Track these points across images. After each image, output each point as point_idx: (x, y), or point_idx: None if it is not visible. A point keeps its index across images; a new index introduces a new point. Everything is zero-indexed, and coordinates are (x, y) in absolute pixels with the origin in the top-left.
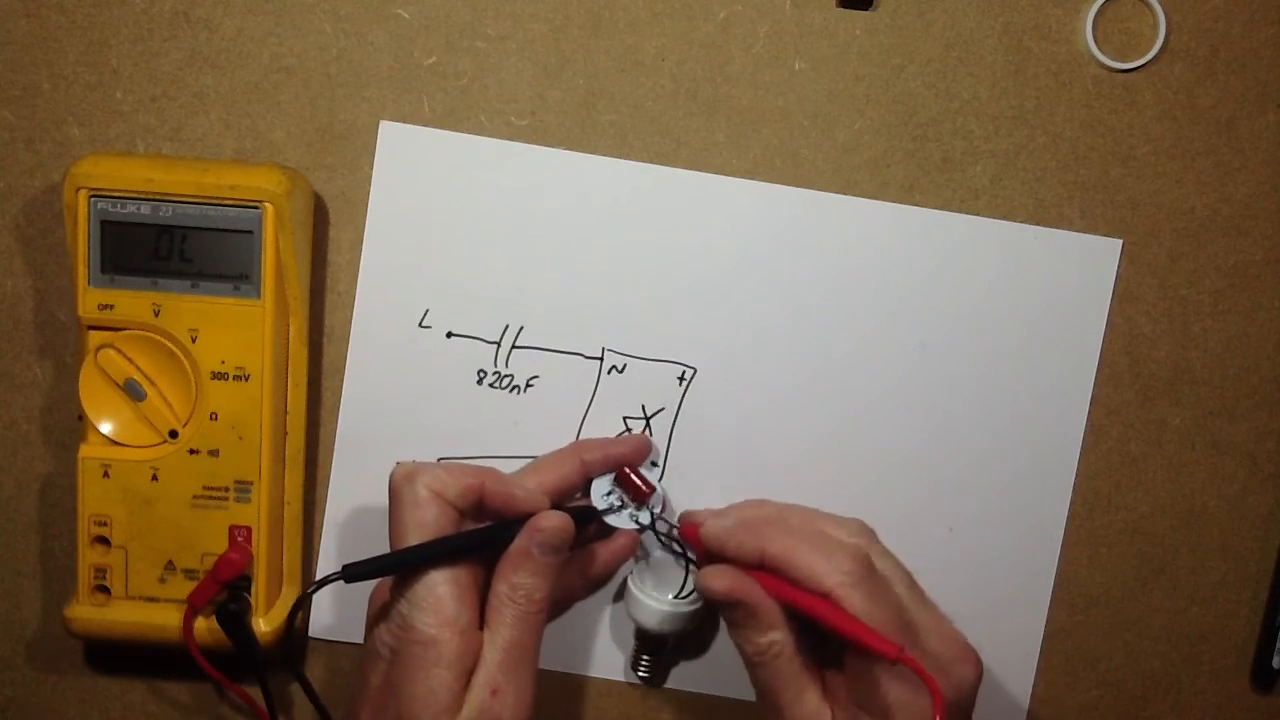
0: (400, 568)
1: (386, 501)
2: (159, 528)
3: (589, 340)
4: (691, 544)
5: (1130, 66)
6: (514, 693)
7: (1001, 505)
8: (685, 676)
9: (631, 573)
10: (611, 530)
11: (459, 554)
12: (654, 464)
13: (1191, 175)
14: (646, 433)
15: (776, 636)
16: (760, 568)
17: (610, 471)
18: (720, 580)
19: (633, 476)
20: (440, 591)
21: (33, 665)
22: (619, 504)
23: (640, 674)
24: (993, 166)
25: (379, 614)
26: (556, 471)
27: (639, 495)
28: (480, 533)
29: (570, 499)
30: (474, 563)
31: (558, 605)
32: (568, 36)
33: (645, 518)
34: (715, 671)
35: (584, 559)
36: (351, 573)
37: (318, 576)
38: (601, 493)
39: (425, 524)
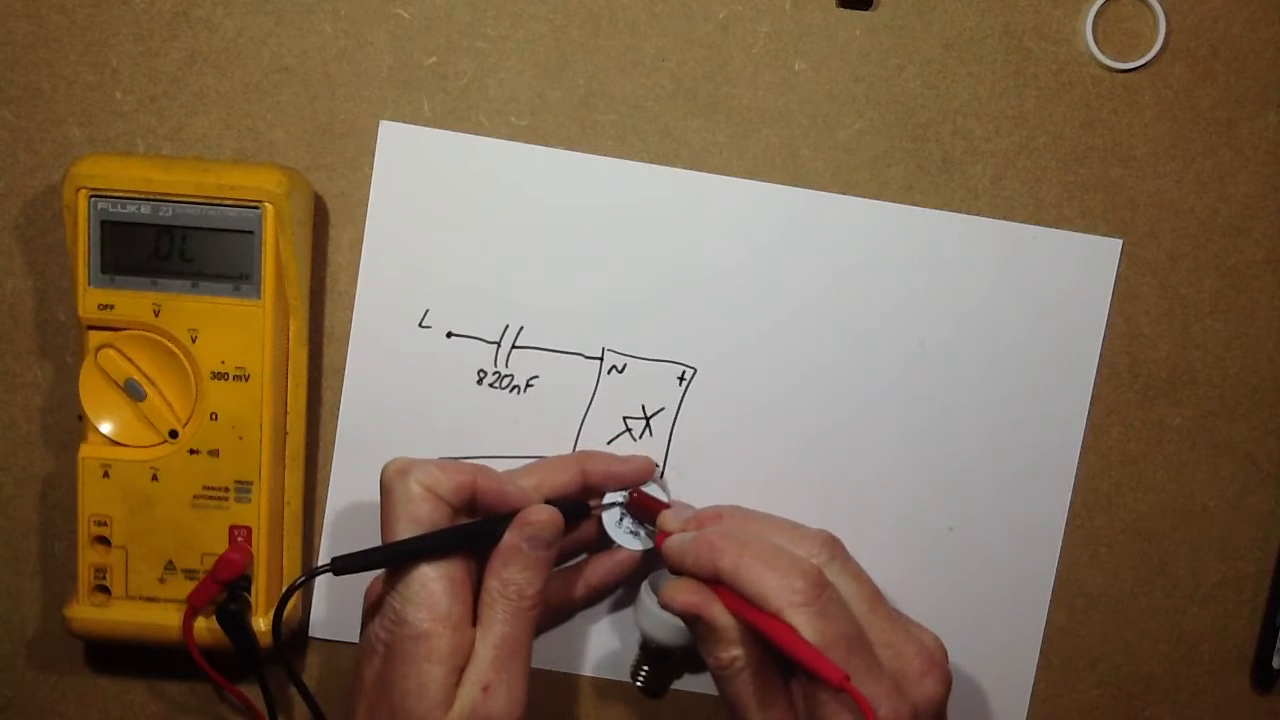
0: (391, 561)
1: None
2: (159, 528)
3: (589, 340)
4: None
5: (1130, 66)
6: (506, 689)
7: (1001, 505)
8: (689, 678)
9: (647, 582)
10: (612, 540)
11: (450, 548)
12: (655, 483)
13: (1191, 175)
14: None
15: (736, 652)
16: (717, 583)
17: (611, 488)
18: (680, 595)
19: (648, 495)
20: (433, 586)
21: (33, 665)
22: (634, 530)
23: (638, 683)
24: (993, 166)
25: (373, 609)
26: (556, 477)
27: (651, 518)
28: (471, 527)
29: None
30: (467, 559)
31: (560, 613)
32: (568, 36)
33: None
34: None
35: (587, 568)
36: (341, 565)
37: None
38: (613, 521)
39: (418, 519)
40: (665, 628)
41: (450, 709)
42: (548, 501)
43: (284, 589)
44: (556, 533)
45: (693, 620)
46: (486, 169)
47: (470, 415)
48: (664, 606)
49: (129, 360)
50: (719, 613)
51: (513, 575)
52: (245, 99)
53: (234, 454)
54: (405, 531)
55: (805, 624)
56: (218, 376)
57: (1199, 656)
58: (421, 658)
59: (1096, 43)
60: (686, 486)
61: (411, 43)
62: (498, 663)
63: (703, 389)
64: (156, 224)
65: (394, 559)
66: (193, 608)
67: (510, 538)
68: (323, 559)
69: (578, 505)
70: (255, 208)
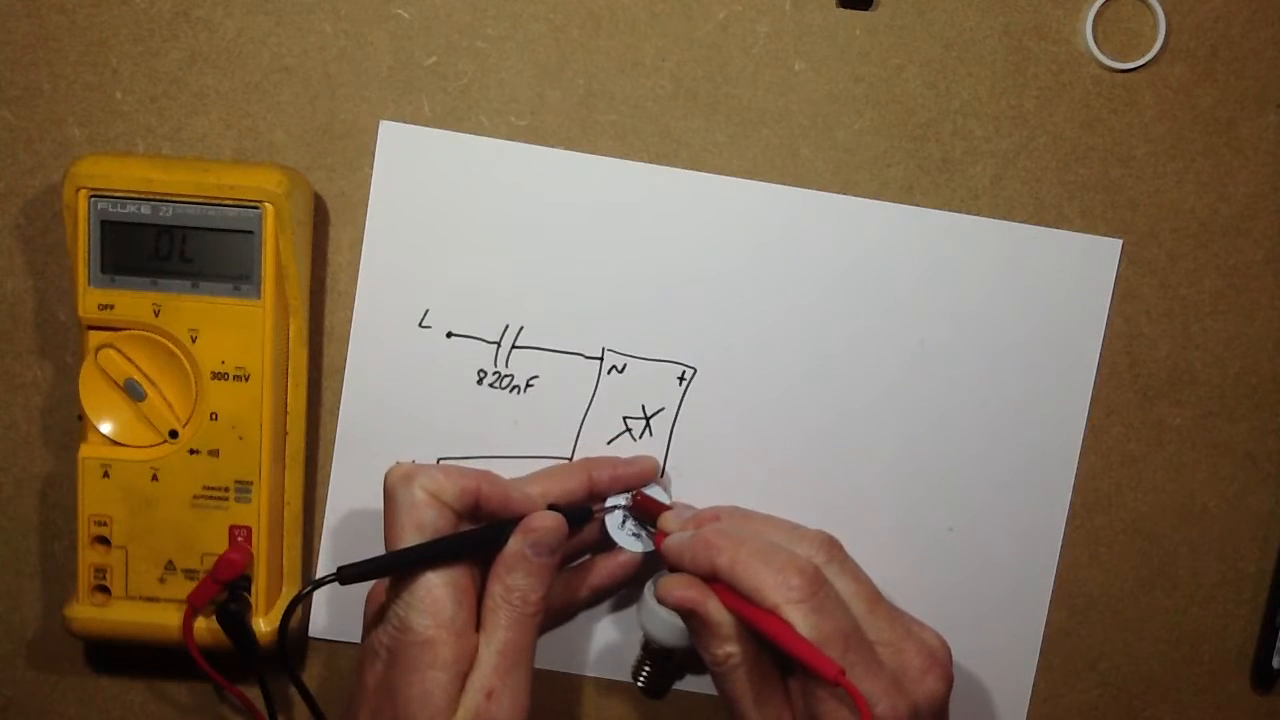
0: (395, 569)
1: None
2: (159, 528)
3: (589, 340)
4: None
5: (1130, 66)
6: (509, 695)
7: (1001, 505)
8: (690, 678)
9: (651, 582)
10: (614, 542)
11: (454, 555)
12: (656, 484)
13: (1191, 175)
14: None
15: (732, 649)
16: (715, 581)
17: (616, 491)
18: (676, 589)
19: (650, 498)
20: (438, 593)
21: (33, 665)
22: (636, 531)
23: (640, 683)
24: (993, 166)
25: (376, 614)
26: (562, 484)
27: (653, 520)
28: (475, 534)
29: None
30: (471, 564)
31: (561, 614)
32: (568, 36)
33: None
34: None
35: (590, 569)
36: (347, 574)
37: (316, 577)
38: (616, 524)
39: (422, 525)
40: (668, 628)
41: (454, 715)
42: (550, 507)
43: (285, 589)
44: (560, 539)
45: (688, 615)
46: (486, 169)
47: (470, 415)
48: (660, 601)
49: (129, 360)
50: (715, 608)
51: (516, 581)
52: (245, 99)
53: (234, 454)
54: (410, 537)
55: (801, 620)
56: (218, 376)
57: (1199, 656)
58: (425, 664)
59: (1096, 43)
60: (686, 486)
61: (411, 43)
62: (501, 668)
63: (703, 389)
64: (156, 224)
65: (399, 567)
66: (193, 608)
67: (514, 544)
68: (323, 559)
69: (581, 510)
70: (255, 208)
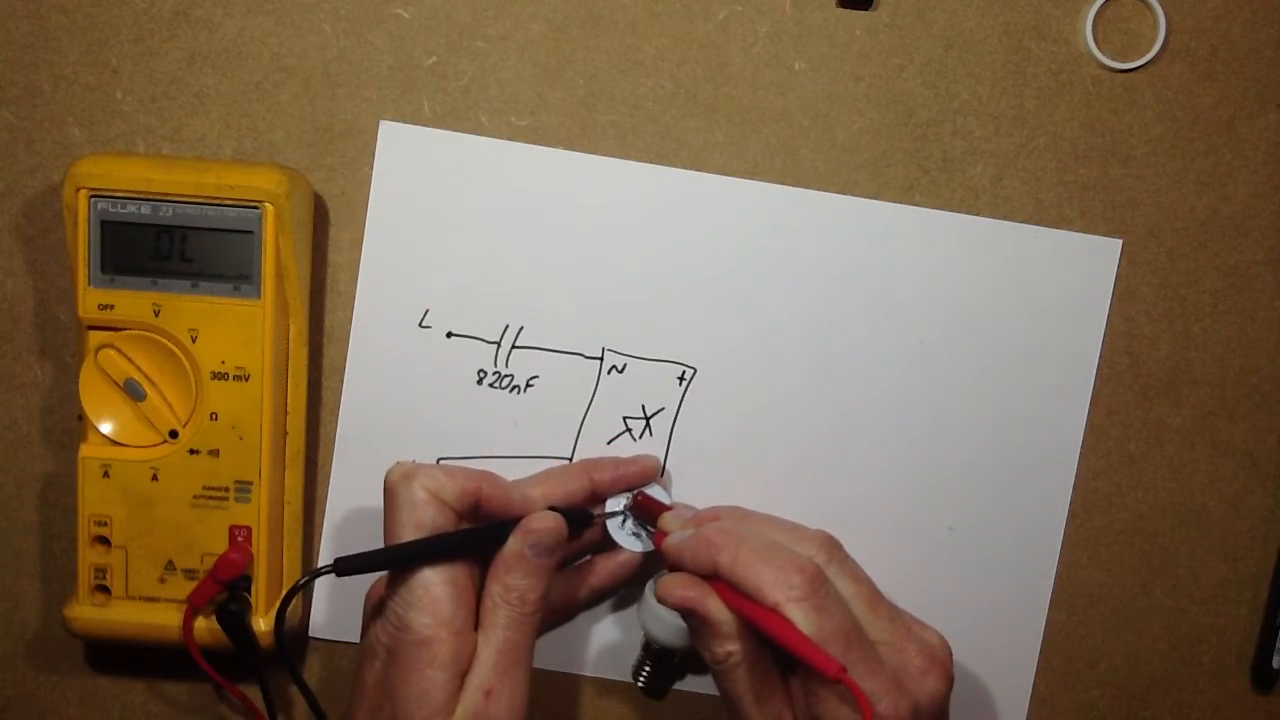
0: (393, 564)
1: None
2: (159, 528)
3: (589, 340)
4: None
5: (1130, 66)
6: (507, 695)
7: (1001, 505)
8: (690, 678)
9: (652, 581)
10: (615, 542)
11: (452, 553)
12: (657, 484)
13: (1191, 175)
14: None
15: (733, 647)
16: (716, 579)
17: (618, 491)
18: (676, 589)
19: (650, 498)
20: (436, 591)
21: (33, 665)
22: (636, 531)
23: (640, 683)
24: (993, 166)
25: (375, 612)
26: (563, 486)
27: (653, 520)
28: (475, 532)
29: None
30: (470, 563)
31: (561, 614)
32: (568, 36)
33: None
34: None
35: (590, 569)
36: (344, 566)
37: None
38: (616, 524)
39: (422, 524)
40: (669, 628)
41: (452, 714)
42: (551, 508)
43: (285, 589)
44: (559, 540)
45: (689, 614)
46: (486, 169)
47: (470, 415)
48: (660, 600)
49: (129, 360)
50: (715, 607)
51: (515, 581)
52: (245, 99)
53: (234, 454)
54: (409, 536)
55: (802, 618)
56: (218, 376)
57: (1199, 656)
58: (424, 663)
59: (1096, 43)
60: (687, 487)
61: (411, 43)
62: (500, 668)
63: (703, 389)
64: (156, 224)
65: (397, 561)
66: (193, 608)
67: (513, 544)
68: (323, 559)
69: (581, 513)
70: (255, 208)
